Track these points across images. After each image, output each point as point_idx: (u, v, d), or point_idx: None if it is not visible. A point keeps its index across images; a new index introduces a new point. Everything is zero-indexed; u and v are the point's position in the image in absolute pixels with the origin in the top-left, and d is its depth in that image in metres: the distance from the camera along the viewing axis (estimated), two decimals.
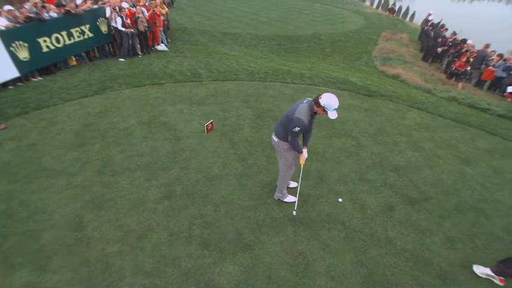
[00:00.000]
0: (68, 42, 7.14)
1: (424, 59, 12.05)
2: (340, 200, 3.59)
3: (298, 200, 3.33)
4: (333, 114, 2.77)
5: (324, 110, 2.77)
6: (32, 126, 4.75)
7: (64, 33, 7.03)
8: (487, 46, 9.43)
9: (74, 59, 7.59)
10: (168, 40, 10.10)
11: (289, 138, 2.92)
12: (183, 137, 4.60)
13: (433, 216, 3.49)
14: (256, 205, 3.46)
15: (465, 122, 5.81)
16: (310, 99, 2.89)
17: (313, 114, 2.86)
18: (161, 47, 9.25)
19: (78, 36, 7.40)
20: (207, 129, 4.65)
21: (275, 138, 3.12)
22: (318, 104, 2.76)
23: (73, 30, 7.22)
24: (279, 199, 3.50)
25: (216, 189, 3.64)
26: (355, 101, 6.07)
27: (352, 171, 4.11)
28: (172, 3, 17.17)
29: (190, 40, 10.89)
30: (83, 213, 3.27)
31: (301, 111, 2.79)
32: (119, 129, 4.71)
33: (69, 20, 7.14)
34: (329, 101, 2.69)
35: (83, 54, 7.74)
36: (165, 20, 10.43)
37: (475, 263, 2.94)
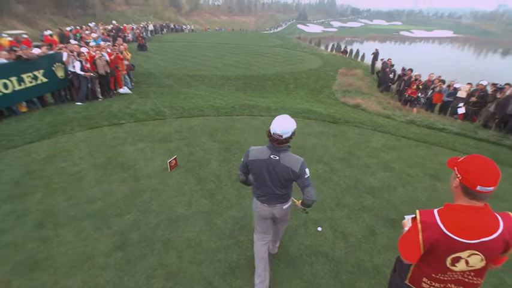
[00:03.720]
0: (17, 87, 6.64)
1: (381, 89, 13.11)
2: (319, 229, 3.29)
3: None
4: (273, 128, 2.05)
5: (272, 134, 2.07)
6: None
7: (14, 78, 6.56)
8: (432, 75, 10.56)
9: (24, 105, 7.02)
10: (133, 84, 9.95)
11: (309, 192, 2.11)
12: (143, 177, 4.15)
13: None
14: (227, 245, 3.03)
15: (427, 141, 6.06)
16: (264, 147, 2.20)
17: (273, 146, 2.12)
18: (124, 90, 9.03)
19: (30, 82, 6.95)
20: (170, 166, 4.27)
21: (282, 206, 2.34)
22: (269, 134, 2.09)
23: (24, 76, 6.78)
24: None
25: (180, 232, 3.17)
26: (322, 128, 6.13)
27: (328, 197, 3.89)
28: (146, 48, 17.49)
29: (156, 83, 10.85)
30: (10, 278, 2.59)
31: (289, 156, 2.11)
32: (68, 174, 4.15)
33: (21, 65, 6.74)
34: (272, 125, 2.04)
35: (35, 99, 7.21)
36: (130, 64, 10.41)
37: None
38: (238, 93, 10.49)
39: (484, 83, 8.80)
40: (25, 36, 14.38)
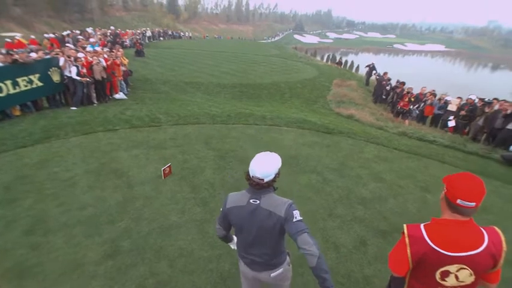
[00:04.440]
0: (12, 91, 6.62)
1: (374, 100, 13.39)
2: None
3: None
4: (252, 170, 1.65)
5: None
6: None
7: (8, 82, 6.54)
8: (424, 88, 10.84)
9: (17, 108, 6.97)
10: (129, 89, 9.97)
11: (304, 240, 1.57)
12: (136, 184, 4.14)
13: None
14: (219, 254, 3.03)
15: (417, 153, 6.18)
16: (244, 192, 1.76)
17: (253, 190, 1.70)
18: (119, 95, 9.04)
19: (25, 86, 6.93)
20: (164, 173, 4.28)
21: (270, 273, 1.85)
22: (248, 177, 1.69)
23: (19, 79, 6.77)
24: None
25: (172, 240, 3.16)
26: (316, 139, 6.22)
27: (320, 208, 3.94)
28: (143, 54, 17.56)
29: (152, 89, 10.88)
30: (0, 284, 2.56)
31: (271, 198, 1.69)
32: (60, 180, 4.12)
33: (16, 68, 6.73)
34: (251, 166, 1.66)
35: (29, 103, 7.17)
36: (127, 70, 10.45)
37: None
38: (234, 101, 10.58)
39: (473, 97, 9.07)
40: (18, 37, 14.30)
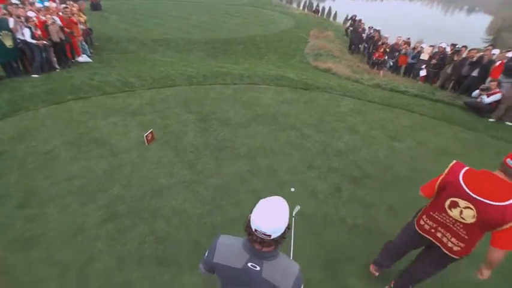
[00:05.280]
0: None
1: (351, 51, 13.38)
2: (292, 189, 3.68)
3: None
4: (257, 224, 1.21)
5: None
6: None
7: None
8: (399, 38, 10.90)
9: None
10: (91, 50, 9.19)
11: None
12: (120, 152, 4.19)
13: (374, 190, 3.82)
14: (211, 210, 3.32)
15: (390, 104, 6.55)
16: (240, 239, 1.38)
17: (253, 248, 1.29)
18: (83, 58, 8.37)
19: None
20: (147, 139, 4.32)
21: None
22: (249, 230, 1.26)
23: None
24: None
25: (165, 201, 3.39)
26: (294, 95, 6.34)
27: (300, 162, 4.26)
28: (100, 6, 15.74)
29: (117, 49, 10.10)
30: (6, 255, 2.71)
31: (277, 266, 1.30)
32: (40, 153, 4.06)
33: None
34: (255, 217, 1.22)
35: None
36: (87, 28, 9.49)
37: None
38: (209, 59, 10.17)
39: (444, 45, 9.32)
40: None
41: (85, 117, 5.02)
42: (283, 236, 1.24)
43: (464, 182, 1.80)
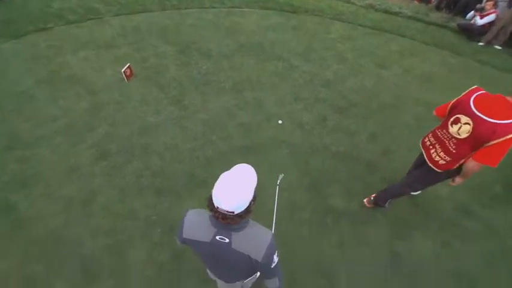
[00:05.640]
0: None
1: None
2: (280, 121, 3.77)
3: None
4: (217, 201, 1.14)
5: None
6: None
7: None
8: None
9: None
10: None
11: (273, 284, 1.43)
12: (99, 90, 3.98)
13: (359, 119, 3.96)
14: (202, 144, 3.42)
15: (380, 28, 6.22)
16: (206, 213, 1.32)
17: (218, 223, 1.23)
18: None
19: None
20: (126, 76, 4.08)
21: (243, 280, 1.59)
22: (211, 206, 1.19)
23: None
24: None
25: (155, 138, 3.43)
26: (281, 19, 5.86)
27: (287, 93, 4.23)
28: None
29: None
30: (6, 195, 2.81)
31: (247, 236, 1.24)
32: (14, 94, 3.80)
33: None
34: (215, 194, 1.14)
35: None
36: None
37: (391, 150, 3.56)
38: None
39: None
40: None
41: (52, 51, 4.55)
42: (249, 210, 1.17)
43: (473, 102, 1.90)
